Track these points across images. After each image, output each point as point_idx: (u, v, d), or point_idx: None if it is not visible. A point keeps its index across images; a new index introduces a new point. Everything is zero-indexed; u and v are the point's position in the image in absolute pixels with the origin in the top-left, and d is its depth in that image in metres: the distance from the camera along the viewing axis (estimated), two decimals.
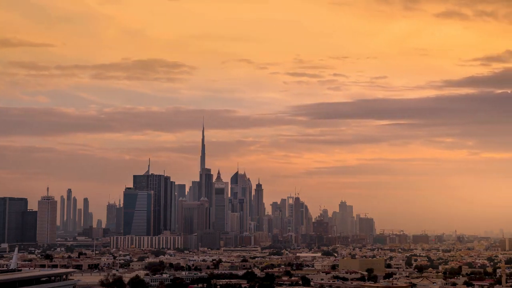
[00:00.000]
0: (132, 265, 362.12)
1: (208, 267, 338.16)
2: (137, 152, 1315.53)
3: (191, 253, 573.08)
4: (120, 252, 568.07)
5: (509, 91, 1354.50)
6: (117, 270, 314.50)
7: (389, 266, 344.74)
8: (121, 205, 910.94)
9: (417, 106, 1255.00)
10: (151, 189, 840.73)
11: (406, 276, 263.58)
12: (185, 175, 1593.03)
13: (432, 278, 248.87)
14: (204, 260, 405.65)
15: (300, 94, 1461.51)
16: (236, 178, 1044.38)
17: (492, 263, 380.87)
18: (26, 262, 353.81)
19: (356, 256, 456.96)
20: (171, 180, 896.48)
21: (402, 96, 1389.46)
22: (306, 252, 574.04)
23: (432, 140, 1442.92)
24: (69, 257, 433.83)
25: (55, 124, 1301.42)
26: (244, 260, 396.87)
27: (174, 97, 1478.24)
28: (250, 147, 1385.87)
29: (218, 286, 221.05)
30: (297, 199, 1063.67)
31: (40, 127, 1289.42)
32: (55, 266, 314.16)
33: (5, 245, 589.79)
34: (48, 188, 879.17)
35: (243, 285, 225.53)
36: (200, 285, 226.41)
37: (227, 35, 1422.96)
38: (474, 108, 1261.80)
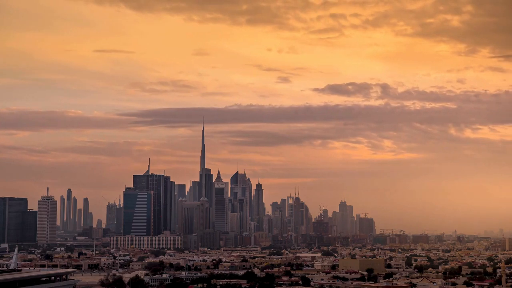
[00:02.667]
0: (132, 265, 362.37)
1: (208, 267, 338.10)
2: None
3: (191, 253, 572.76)
4: (120, 252, 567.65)
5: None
6: (117, 270, 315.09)
7: (389, 266, 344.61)
8: (121, 205, 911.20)
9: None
10: (151, 189, 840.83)
11: (406, 276, 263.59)
12: (186, 175, 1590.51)
13: (432, 278, 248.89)
14: (204, 260, 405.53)
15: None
16: (236, 178, 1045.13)
17: (492, 263, 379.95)
18: (26, 262, 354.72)
19: (356, 256, 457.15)
20: (171, 180, 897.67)
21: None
22: (306, 252, 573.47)
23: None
24: (69, 257, 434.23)
25: None
26: (244, 260, 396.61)
27: None
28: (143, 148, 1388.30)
29: (218, 286, 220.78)
30: (297, 199, 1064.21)
31: None
32: (55, 266, 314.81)
33: (5, 245, 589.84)
34: (48, 188, 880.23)
35: (243, 285, 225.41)
36: (200, 285, 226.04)
37: None
38: None
